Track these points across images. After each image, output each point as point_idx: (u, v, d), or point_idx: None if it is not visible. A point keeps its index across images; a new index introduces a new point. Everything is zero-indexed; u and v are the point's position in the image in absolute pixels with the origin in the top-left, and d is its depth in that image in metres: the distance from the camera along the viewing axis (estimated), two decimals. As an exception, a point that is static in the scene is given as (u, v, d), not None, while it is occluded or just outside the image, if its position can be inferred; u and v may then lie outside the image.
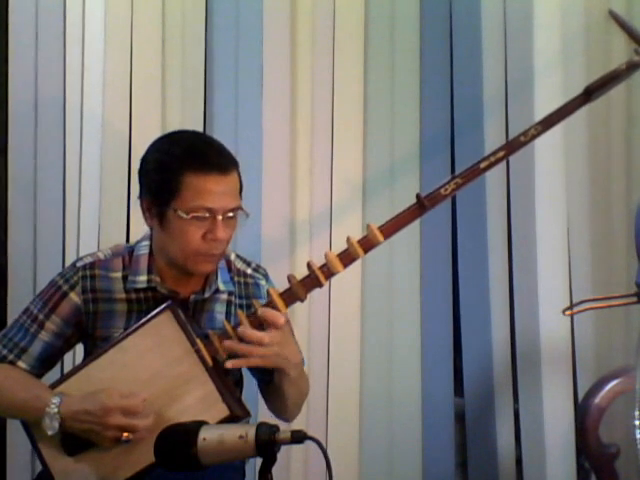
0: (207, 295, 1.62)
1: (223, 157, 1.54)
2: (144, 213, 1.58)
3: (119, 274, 1.61)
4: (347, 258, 1.52)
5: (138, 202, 1.59)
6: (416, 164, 2.28)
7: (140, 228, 1.70)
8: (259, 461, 1.16)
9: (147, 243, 1.62)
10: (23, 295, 2.12)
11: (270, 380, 1.62)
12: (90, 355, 1.59)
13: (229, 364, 1.48)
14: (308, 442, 1.14)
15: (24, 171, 2.20)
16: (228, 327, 1.52)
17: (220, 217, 1.50)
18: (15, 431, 2.10)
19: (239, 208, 1.55)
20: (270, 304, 1.51)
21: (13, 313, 2.06)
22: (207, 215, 1.49)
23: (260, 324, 1.49)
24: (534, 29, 2.17)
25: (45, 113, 2.20)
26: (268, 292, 1.55)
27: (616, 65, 1.63)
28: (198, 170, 1.49)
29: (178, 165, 1.49)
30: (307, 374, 1.72)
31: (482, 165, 1.58)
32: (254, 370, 1.72)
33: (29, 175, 2.20)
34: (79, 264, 1.61)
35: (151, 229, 1.61)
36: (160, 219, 1.53)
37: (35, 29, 2.18)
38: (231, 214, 1.52)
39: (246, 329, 1.48)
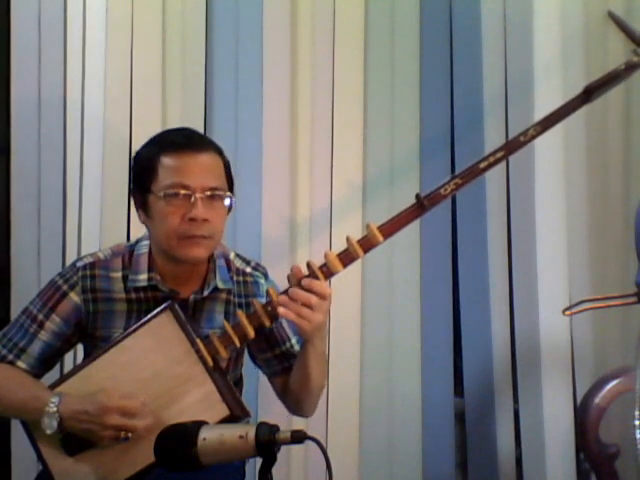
0: (206, 293, 1.62)
1: (199, 139, 1.58)
2: (137, 210, 1.60)
3: (119, 274, 1.61)
4: (347, 258, 1.52)
5: (134, 203, 1.62)
6: (416, 164, 2.28)
7: (141, 227, 1.70)
8: (259, 461, 1.16)
9: (147, 242, 1.63)
10: (26, 294, 2.11)
11: (286, 368, 1.65)
12: (90, 355, 1.59)
13: (281, 310, 1.47)
14: (308, 442, 1.14)
15: (26, 171, 2.21)
16: (242, 317, 1.52)
17: (199, 195, 1.50)
18: (20, 431, 2.10)
19: (221, 189, 1.54)
20: (272, 303, 1.51)
21: (16, 313, 2.06)
22: (183, 192, 1.50)
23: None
24: (534, 30, 2.17)
25: (47, 113, 2.20)
26: (268, 292, 1.55)
27: (615, 66, 1.63)
28: (172, 150, 1.52)
29: (154, 151, 1.53)
30: None
31: (481, 165, 1.58)
32: (267, 364, 1.72)
33: (32, 175, 2.21)
34: (79, 264, 1.62)
35: (147, 227, 1.62)
36: (145, 208, 1.55)
37: (37, 30, 2.18)
38: (210, 193, 1.52)
39: (295, 289, 1.47)
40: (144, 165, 1.55)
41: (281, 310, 1.47)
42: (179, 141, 1.54)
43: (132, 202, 2.14)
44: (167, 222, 1.51)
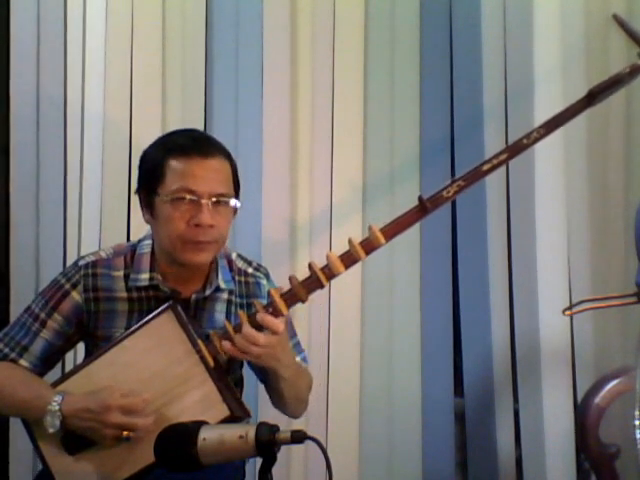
0: (208, 293, 1.62)
1: (208, 143, 1.56)
2: (142, 209, 1.59)
3: (121, 273, 1.61)
4: (349, 259, 1.52)
5: (138, 201, 1.61)
6: (416, 166, 2.27)
7: (141, 227, 1.71)
8: (259, 461, 1.16)
9: (149, 242, 1.63)
10: (25, 294, 2.12)
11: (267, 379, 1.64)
12: (91, 354, 1.59)
13: (225, 344, 1.48)
14: (308, 442, 1.14)
15: (26, 170, 2.21)
16: (229, 327, 1.52)
17: (205, 201, 1.49)
18: (18, 430, 2.10)
19: (228, 195, 1.54)
20: (271, 305, 1.51)
21: (15, 312, 2.07)
22: (189, 197, 1.49)
23: (259, 325, 1.49)
24: (534, 32, 2.16)
25: (46, 113, 2.20)
26: (269, 293, 1.55)
27: (616, 70, 1.63)
28: (180, 154, 1.51)
29: (162, 152, 1.53)
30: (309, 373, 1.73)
31: (484, 168, 1.58)
32: (254, 368, 1.72)
33: (31, 174, 2.21)
34: (81, 263, 1.62)
35: (151, 226, 1.62)
36: (150, 209, 1.55)
37: (36, 29, 2.19)
38: (217, 199, 1.52)
39: (245, 327, 1.48)
40: (151, 166, 1.54)
41: (225, 346, 1.48)
42: (187, 144, 1.52)
43: (132, 202, 2.18)
44: (172, 226, 1.51)
